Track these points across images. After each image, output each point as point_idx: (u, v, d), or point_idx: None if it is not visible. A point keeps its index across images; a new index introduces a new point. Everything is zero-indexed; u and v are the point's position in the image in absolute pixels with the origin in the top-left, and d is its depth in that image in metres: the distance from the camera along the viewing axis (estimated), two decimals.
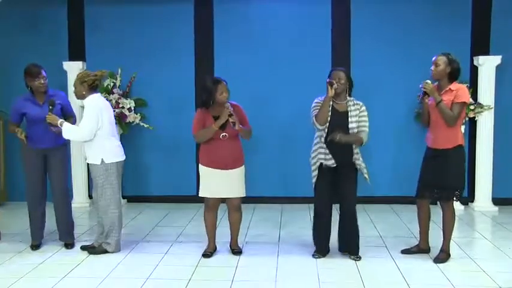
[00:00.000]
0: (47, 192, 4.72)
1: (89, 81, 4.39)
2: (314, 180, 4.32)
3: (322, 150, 4.22)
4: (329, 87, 4.12)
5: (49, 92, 4.57)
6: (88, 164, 4.54)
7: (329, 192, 4.30)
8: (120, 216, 4.56)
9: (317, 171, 4.27)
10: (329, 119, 4.18)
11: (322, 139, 4.22)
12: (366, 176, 4.32)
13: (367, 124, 4.26)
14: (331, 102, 4.20)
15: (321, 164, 4.24)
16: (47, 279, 3.97)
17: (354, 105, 4.26)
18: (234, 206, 4.44)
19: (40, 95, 4.54)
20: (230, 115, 4.15)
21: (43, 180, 4.65)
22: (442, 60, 4.15)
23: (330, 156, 4.20)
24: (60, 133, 4.42)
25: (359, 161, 4.28)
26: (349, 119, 4.20)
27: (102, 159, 4.41)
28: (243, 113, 4.37)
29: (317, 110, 4.20)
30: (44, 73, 4.50)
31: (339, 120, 4.18)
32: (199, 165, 4.43)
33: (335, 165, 4.20)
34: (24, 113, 4.54)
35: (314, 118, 4.19)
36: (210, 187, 4.35)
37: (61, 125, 4.39)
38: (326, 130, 4.20)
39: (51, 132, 4.46)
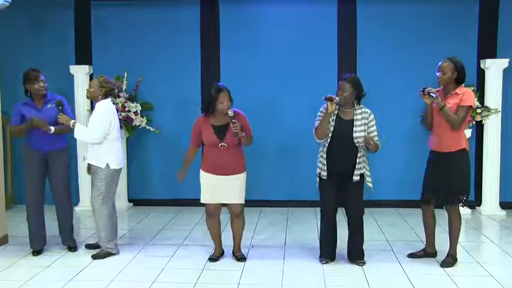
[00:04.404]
0: (48, 195, 4.72)
1: (107, 88, 4.50)
2: (317, 185, 4.32)
3: (322, 160, 4.21)
4: (329, 103, 4.06)
5: (48, 96, 4.58)
6: (89, 164, 4.54)
7: (334, 196, 4.26)
8: (114, 219, 4.58)
9: (318, 178, 4.28)
10: (332, 128, 4.15)
11: (325, 149, 4.19)
12: (370, 184, 4.28)
13: (376, 133, 4.20)
14: (333, 116, 4.16)
15: (320, 173, 4.24)
16: (54, 282, 3.99)
17: (361, 113, 4.19)
18: (235, 213, 4.41)
19: (39, 99, 4.55)
20: (233, 123, 4.14)
21: (43, 184, 4.64)
22: (448, 67, 4.12)
23: (325, 168, 4.19)
24: (56, 133, 4.44)
25: (363, 169, 4.22)
26: (354, 128, 4.14)
27: (107, 163, 4.44)
28: (246, 121, 4.32)
29: (318, 122, 4.20)
30: (42, 76, 4.53)
31: (343, 128, 4.14)
32: (200, 170, 4.40)
33: (326, 178, 4.19)
34: (23, 115, 4.51)
35: (314, 131, 4.18)
36: (210, 193, 4.32)
37: (73, 125, 4.43)
38: (328, 140, 4.17)
39: (50, 136, 4.46)
